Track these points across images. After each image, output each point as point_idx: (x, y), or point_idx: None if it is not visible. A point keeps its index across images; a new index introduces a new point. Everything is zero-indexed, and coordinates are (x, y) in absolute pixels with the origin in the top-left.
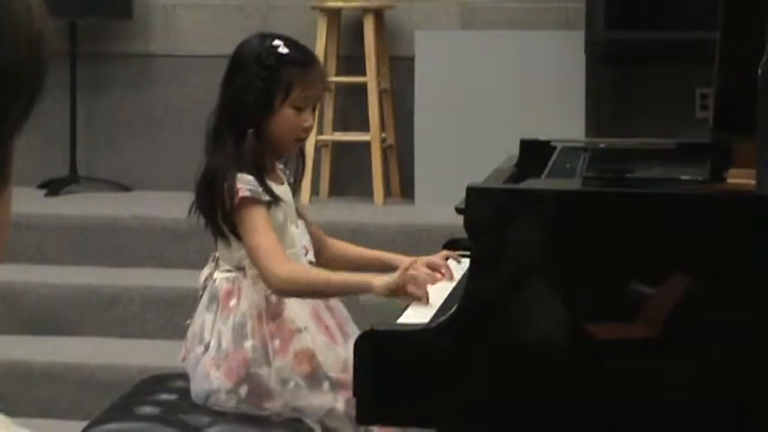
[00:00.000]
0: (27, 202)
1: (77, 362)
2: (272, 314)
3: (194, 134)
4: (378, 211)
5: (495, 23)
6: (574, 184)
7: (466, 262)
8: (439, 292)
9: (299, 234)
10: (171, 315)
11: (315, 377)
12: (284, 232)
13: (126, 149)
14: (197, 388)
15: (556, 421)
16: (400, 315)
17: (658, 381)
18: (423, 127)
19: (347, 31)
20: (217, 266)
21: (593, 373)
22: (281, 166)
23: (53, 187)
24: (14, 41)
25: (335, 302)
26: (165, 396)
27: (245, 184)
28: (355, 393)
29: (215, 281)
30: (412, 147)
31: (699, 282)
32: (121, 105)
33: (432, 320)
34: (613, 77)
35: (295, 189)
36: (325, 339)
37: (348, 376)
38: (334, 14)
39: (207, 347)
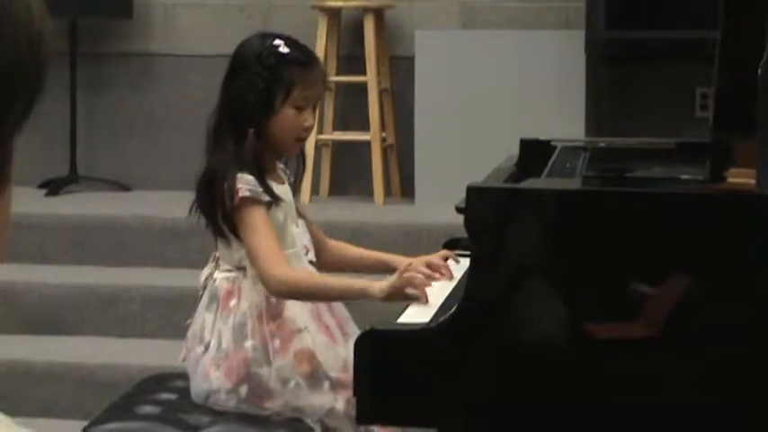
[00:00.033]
0: (27, 201)
1: (78, 361)
2: (273, 314)
3: (194, 134)
4: (378, 210)
5: (496, 23)
6: (574, 183)
7: (465, 262)
8: (439, 292)
9: (299, 233)
10: (171, 315)
11: (315, 377)
12: (285, 232)
13: (126, 149)
14: (197, 387)
15: (556, 421)
16: (400, 315)
17: (658, 380)
18: (423, 126)
19: (347, 30)
20: (217, 266)
21: (593, 372)
22: (281, 166)
23: (53, 187)
24: (14, 41)
25: (336, 302)
26: (165, 396)
27: (246, 184)
28: (355, 393)
29: (215, 280)
30: (412, 146)
31: (698, 281)
32: (122, 105)
33: (432, 320)
34: (613, 77)
35: (295, 188)
36: (326, 339)
37: (348, 376)
38: (334, 14)
39: (207, 347)
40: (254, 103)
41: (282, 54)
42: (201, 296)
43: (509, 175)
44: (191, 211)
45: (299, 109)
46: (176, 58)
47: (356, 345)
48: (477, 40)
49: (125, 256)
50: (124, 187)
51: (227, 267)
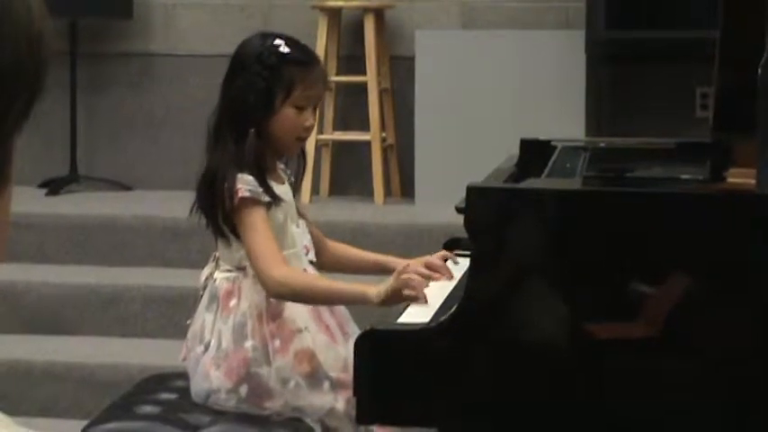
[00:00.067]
0: (27, 201)
1: (78, 361)
2: (273, 314)
3: (195, 134)
4: (378, 210)
5: (496, 23)
6: (574, 183)
7: (464, 262)
8: (438, 292)
9: (299, 234)
10: (171, 314)
11: (315, 377)
12: (285, 232)
13: (126, 149)
14: (197, 387)
15: (556, 421)
16: (401, 314)
17: (658, 380)
18: (423, 126)
19: (348, 30)
20: (217, 266)
21: (594, 372)
22: (281, 166)
23: (53, 187)
24: (14, 41)
25: None
26: (165, 395)
27: (245, 184)
28: (355, 393)
29: (215, 280)
30: (412, 146)
31: (699, 281)
32: (122, 105)
33: (432, 320)
34: (613, 77)
35: (296, 188)
36: (326, 339)
37: (348, 376)
38: (334, 14)
39: (207, 347)
40: (254, 102)
41: (283, 54)
42: (202, 296)
43: (509, 175)
44: (191, 211)
45: (300, 109)
46: (176, 58)
47: (356, 344)
48: (478, 40)
49: (125, 255)
50: (124, 187)
51: (228, 267)
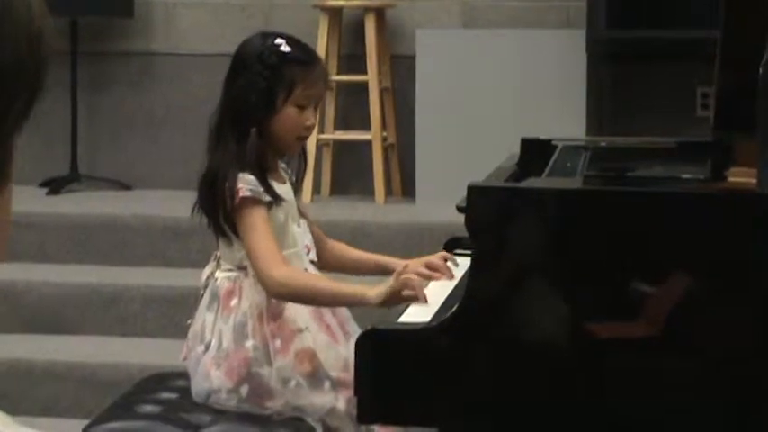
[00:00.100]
0: (28, 200)
1: (78, 360)
2: (273, 314)
3: (196, 133)
4: (379, 210)
5: (497, 22)
6: (575, 182)
7: (465, 262)
8: (439, 292)
9: (300, 233)
10: (172, 314)
11: (316, 376)
12: (286, 231)
13: (127, 148)
14: (198, 387)
15: (557, 420)
16: (401, 314)
17: (659, 379)
18: (424, 126)
19: (348, 29)
20: (218, 265)
21: (594, 371)
22: (283, 165)
23: (54, 186)
24: (15, 40)
25: None
26: (165, 395)
27: (246, 183)
28: (356, 392)
29: (216, 280)
30: (413, 145)
31: (699, 281)
32: (122, 104)
33: (433, 319)
34: (614, 76)
35: (297, 188)
36: (327, 338)
37: (349, 375)
38: (335, 13)
39: (208, 347)
40: (255, 102)
41: (284, 53)
42: (202, 295)
43: (510, 174)
44: (193, 210)
45: (301, 108)
46: (177, 58)
47: (357, 344)
48: (479, 40)
49: (126, 255)
50: (125, 186)
51: (229, 267)
